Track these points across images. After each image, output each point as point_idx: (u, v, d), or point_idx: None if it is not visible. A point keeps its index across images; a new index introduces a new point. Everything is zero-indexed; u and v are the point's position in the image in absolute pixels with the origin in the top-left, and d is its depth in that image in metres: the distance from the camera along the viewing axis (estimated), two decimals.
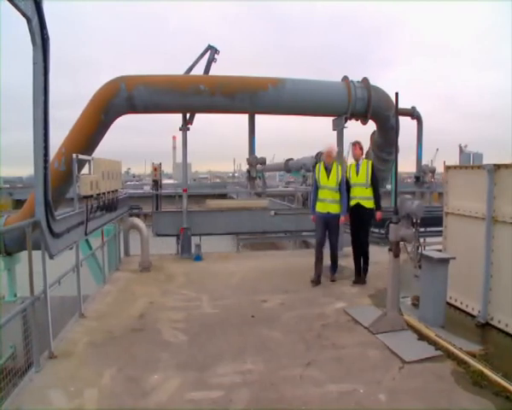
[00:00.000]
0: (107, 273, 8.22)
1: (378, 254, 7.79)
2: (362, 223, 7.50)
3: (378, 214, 7.39)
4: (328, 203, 7.44)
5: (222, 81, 9.64)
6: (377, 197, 7.42)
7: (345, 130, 10.26)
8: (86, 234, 6.22)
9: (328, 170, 7.47)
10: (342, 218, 7.46)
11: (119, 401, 3.74)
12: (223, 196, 23.99)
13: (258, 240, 12.90)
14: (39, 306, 4.52)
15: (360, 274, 7.56)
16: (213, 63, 10.72)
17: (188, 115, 10.38)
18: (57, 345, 4.87)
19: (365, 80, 10.24)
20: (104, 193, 7.06)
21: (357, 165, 7.52)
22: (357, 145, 7.57)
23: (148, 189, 21.00)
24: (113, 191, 7.71)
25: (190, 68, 10.60)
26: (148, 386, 3.97)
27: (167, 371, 4.25)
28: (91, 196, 6.39)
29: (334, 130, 10.42)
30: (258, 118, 10.58)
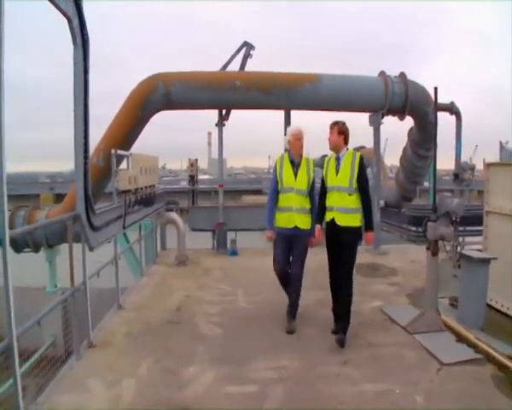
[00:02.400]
0: (145, 267, 8.39)
1: (415, 253, 7.64)
2: (341, 251, 4.80)
3: (368, 236, 4.86)
4: (296, 214, 5.11)
5: (258, 77, 9.66)
6: (367, 210, 4.82)
7: (381, 126, 10.13)
8: (124, 228, 6.33)
9: (295, 165, 5.19)
10: (314, 239, 5.19)
11: (155, 392, 3.80)
12: (257, 192, 24.02)
13: None
14: (79, 297, 4.65)
15: (339, 328, 4.85)
16: (249, 59, 10.74)
17: (223, 111, 10.44)
18: (96, 335, 4.99)
19: (402, 75, 10.05)
20: (142, 188, 7.17)
21: (338, 158, 4.85)
22: (335, 128, 4.82)
23: (184, 184, 21.22)
24: (150, 186, 7.83)
25: (226, 65, 10.64)
26: (184, 378, 4.02)
27: (203, 364, 4.29)
28: (129, 190, 6.49)
29: (370, 126, 10.29)
30: (294, 114, 10.52)
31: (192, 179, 11.28)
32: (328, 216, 4.87)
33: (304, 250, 5.26)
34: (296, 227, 5.13)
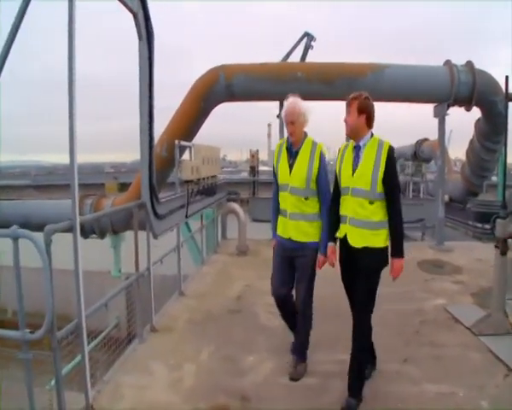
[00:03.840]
0: (206, 255, 8.56)
1: (481, 251, 7.33)
2: (357, 278, 3.55)
3: (395, 266, 3.46)
4: (290, 221, 3.85)
5: (319, 68, 9.54)
6: (395, 226, 3.44)
7: (447, 117, 9.74)
8: (187, 217, 6.48)
9: (291, 154, 3.85)
10: (321, 257, 3.83)
11: (215, 378, 3.90)
12: None
13: None
14: (143, 282, 4.83)
15: (354, 387, 3.54)
16: (310, 50, 10.65)
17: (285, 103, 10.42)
18: (159, 320, 5.16)
19: (469, 64, 9.57)
20: (204, 178, 7.31)
21: (358, 148, 3.43)
22: (354, 104, 3.37)
23: (245, 175, 21.35)
24: (212, 176, 7.96)
25: (287, 56, 10.61)
26: (244, 366, 4.10)
27: (262, 353, 4.35)
28: (192, 180, 6.64)
29: (435, 117, 9.92)
30: None
31: (253, 170, 11.36)
32: (341, 231, 3.53)
33: (306, 271, 3.91)
34: (291, 240, 3.87)
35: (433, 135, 10.44)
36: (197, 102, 9.22)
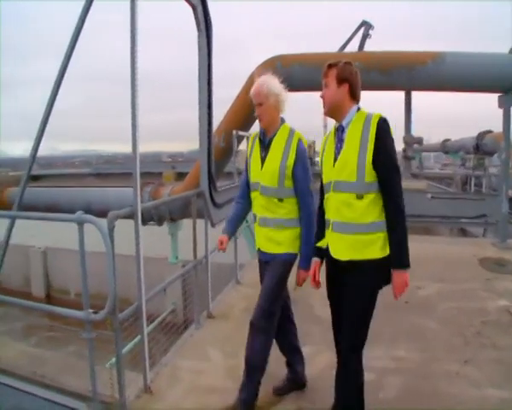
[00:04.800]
0: None
1: None
2: (344, 301, 2.84)
3: (397, 280, 2.65)
4: (258, 228, 3.27)
5: (377, 57, 9.36)
6: (395, 226, 2.58)
7: None
8: None
9: (264, 145, 3.19)
10: (301, 271, 3.21)
11: (270, 367, 3.87)
12: None
13: (413, 223, 12.35)
14: (200, 269, 4.93)
15: None
16: (367, 39, 10.47)
17: None
18: (215, 307, 5.27)
19: None
20: None
21: (341, 129, 2.70)
22: (331, 72, 2.69)
23: None
24: None
25: (344, 45, 10.51)
26: None
27: (318, 345, 4.32)
28: None
29: (500, 108, 9.44)
30: (415, 95, 10.03)
31: (310, 161, 11.34)
32: (324, 240, 2.82)
33: (269, 285, 3.18)
34: (260, 250, 3.28)
35: (497, 127, 9.95)
36: None
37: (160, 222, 9.09)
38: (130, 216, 3.43)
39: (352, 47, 10.70)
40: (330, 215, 2.72)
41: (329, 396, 3.46)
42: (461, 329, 4.80)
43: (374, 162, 2.52)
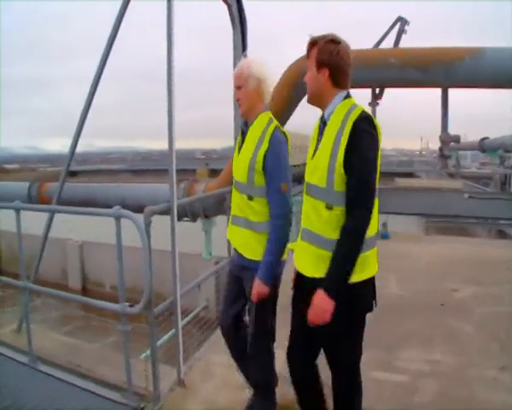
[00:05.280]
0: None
1: None
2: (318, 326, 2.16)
3: (314, 300, 2.10)
4: (232, 227, 2.89)
5: (413, 53, 9.20)
6: (343, 240, 2.09)
7: None
8: None
9: (244, 136, 2.80)
10: (258, 284, 2.55)
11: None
12: (409, 175, 23.02)
13: (448, 224, 12.09)
14: None
15: None
16: (403, 35, 10.31)
17: (377, 90, 10.18)
18: None
19: None
20: (295, 166, 7.31)
21: (324, 121, 2.25)
22: (312, 52, 2.21)
23: None
24: (303, 164, 7.95)
25: (379, 41, 10.37)
26: None
27: None
28: None
29: None
30: (452, 92, 9.82)
31: None
32: (294, 246, 2.55)
33: (257, 302, 2.62)
34: (237, 251, 2.86)
35: None
36: (288, 90, 9.27)
37: (193, 218, 9.18)
38: (166, 212, 3.47)
39: (388, 43, 10.55)
40: (302, 220, 2.35)
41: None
42: (497, 334, 4.65)
43: (345, 166, 2.06)
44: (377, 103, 10.30)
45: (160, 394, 3.29)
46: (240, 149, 2.77)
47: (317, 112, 2.35)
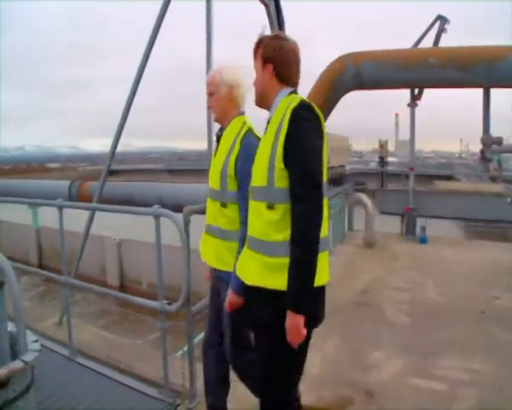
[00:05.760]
0: (332, 245, 8.53)
1: None
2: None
3: (287, 325, 1.83)
4: (205, 236, 2.69)
5: (454, 53, 8.92)
6: (296, 247, 1.81)
7: None
8: None
9: (217, 140, 2.70)
10: (230, 293, 2.29)
11: (340, 370, 3.87)
12: (448, 178, 22.50)
13: (489, 229, 11.73)
14: None
15: None
16: (443, 34, 10.07)
17: (416, 91, 10.00)
18: None
19: None
20: (332, 167, 7.27)
21: (268, 121, 2.11)
22: (258, 52, 2.10)
23: (373, 166, 20.96)
24: (340, 166, 7.90)
25: (418, 41, 10.16)
26: (370, 361, 4.01)
27: (389, 350, 4.21)
28: None
29: None
30: (494, 92, 9.52)
31: (382, 161, 11.11)
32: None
33: (231, 313, 2.45)
34: (211, 266, 2.67)
35: None
36: (325, 91, 9.21)
37: None
38: (204, 211, 3.49)
39: (427, 43, 10.35)
40: (248, 228, 2.12)
41: (398, 404, 3.39)
42: None
43: (284, 160, 1.89)
44: (416, 104, 10.08)
45: (196, 391, 3.31)
46: (215, 155, 2.66)
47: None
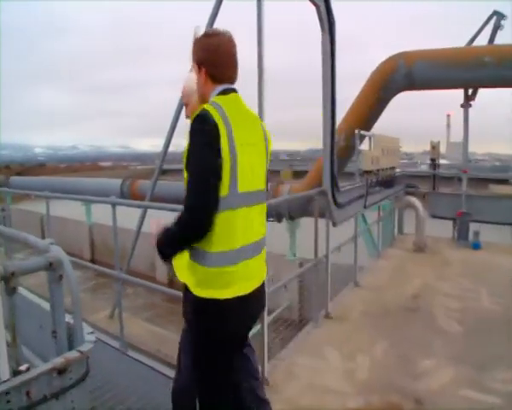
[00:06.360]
0: (381, 248, 8.41)
1: None
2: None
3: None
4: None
5: (510, 51, 8.55)
6: (171, 227, 1.94)
7: None
8: (365, 207, 6.44)
9: None
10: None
11: (389, 375, 3.79)
12: (504, 182, 21.60)
13: None
14: (319, 269, 4.92)
15: None
16: (499, 31, 9.69)
17: (470, 91, 9.68)
18: (333, 307, 5.21)
19: None
20: (383, 169, 7.15)
21: None
22: (194, 57, 2.04)
23: (424, 168, 20.46)
24: (390, 168, 7.77)
25: (473, 39, 9.83)
26: (419, 369, 3.89)
27: (440, 359, 4.08)
28: (371, 171, 6.53)
29: None
30: None
31: (433, 163, 10.80)
32: None
33: (185, 344, 2.35)
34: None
35: None
36: (375, 92, 9.09)
37: (278, 219, 9.24)
38: None
39: (482, 40, 9.97)
40: None
41: None
42: None
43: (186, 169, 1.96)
44: (470, 105, 9.77)
45: None
46: None
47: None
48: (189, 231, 1.87)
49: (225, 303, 1.88)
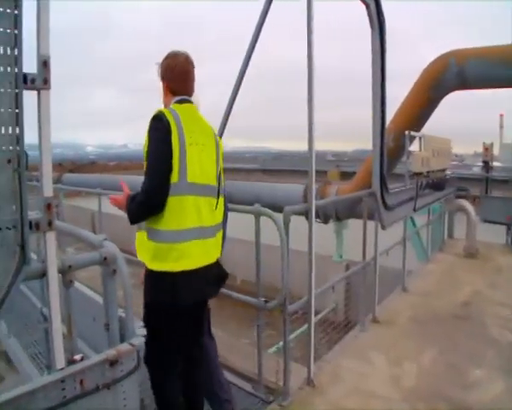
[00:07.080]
0: (430, 252, 8.21)
1: None
2: None
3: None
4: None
5: None
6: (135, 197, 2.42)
7: None
8: (415, 210, 6.29)
9: None
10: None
11: (437, 384, 3.70)
12: None
13: None
14: (367, 271, 4.89)
15: None
16: None
17: None
18: (380, 311, 5.16)
19: None
20: (433, 171, 6.97)
21: None
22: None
23: (476, 170, 19.77)
24: (441, 170, 7.56)
25: None
26: (469, 380, 3.77)
27: (492, 370, 3.94)
28: (421, 172, 6.39)
29: None
30: None
31: (486, 165, 10.40)
32: None
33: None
34: None
35: None
36: (425, 91, 8.83)
37: (325, 220, 9.16)
38: (302, 212, 3.52)
39: None
40: None
41: None
42: None
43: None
44: None
45: (289, 390, 3.35)
46: None
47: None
48: (144, 209, 2.29)
49: (175, 275, 2.23)
